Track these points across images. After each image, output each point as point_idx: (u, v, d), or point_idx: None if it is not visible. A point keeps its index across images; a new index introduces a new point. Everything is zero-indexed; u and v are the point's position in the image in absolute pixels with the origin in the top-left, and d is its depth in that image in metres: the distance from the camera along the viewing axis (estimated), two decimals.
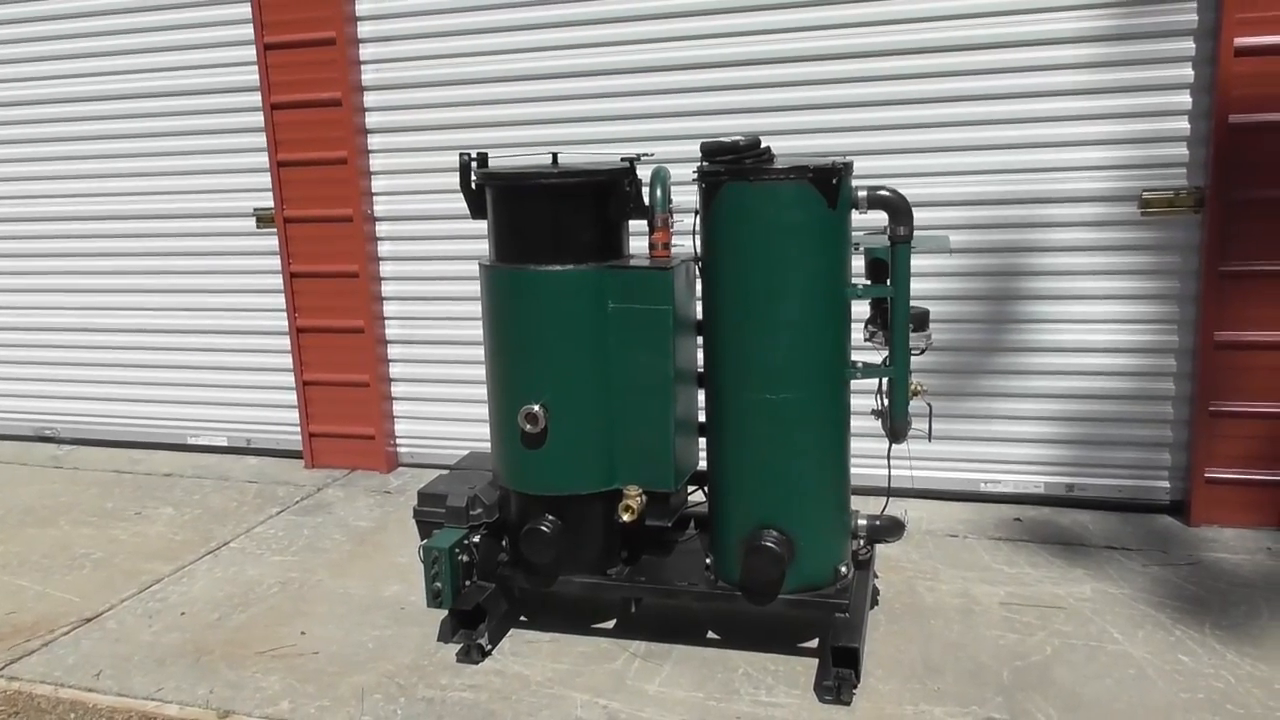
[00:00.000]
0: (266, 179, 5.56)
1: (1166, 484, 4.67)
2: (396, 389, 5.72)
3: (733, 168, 3.26)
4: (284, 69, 5.37)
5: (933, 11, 4.50)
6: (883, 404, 3.52)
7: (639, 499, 3.49)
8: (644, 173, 3.55)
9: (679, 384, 3.50)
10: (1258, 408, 4.39)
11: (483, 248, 3.68)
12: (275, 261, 5.66)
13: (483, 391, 3.74)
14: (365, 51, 5.34)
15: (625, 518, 3.48)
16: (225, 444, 6.12)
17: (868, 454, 3.85)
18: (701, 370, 3.59)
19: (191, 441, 6.18)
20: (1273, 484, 4.43)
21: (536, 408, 3.45)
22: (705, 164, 3.34)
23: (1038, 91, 4.47)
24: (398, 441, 5.77)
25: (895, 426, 3.51)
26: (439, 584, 3.56)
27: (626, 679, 3.48)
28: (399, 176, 5.45)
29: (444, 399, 5.61)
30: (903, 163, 4.60)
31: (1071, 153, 4.48)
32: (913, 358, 3.42)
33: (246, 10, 5.39)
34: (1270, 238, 4.24)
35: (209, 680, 3.58)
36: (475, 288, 3.67)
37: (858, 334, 3.48)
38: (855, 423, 3.52)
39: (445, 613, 3.73)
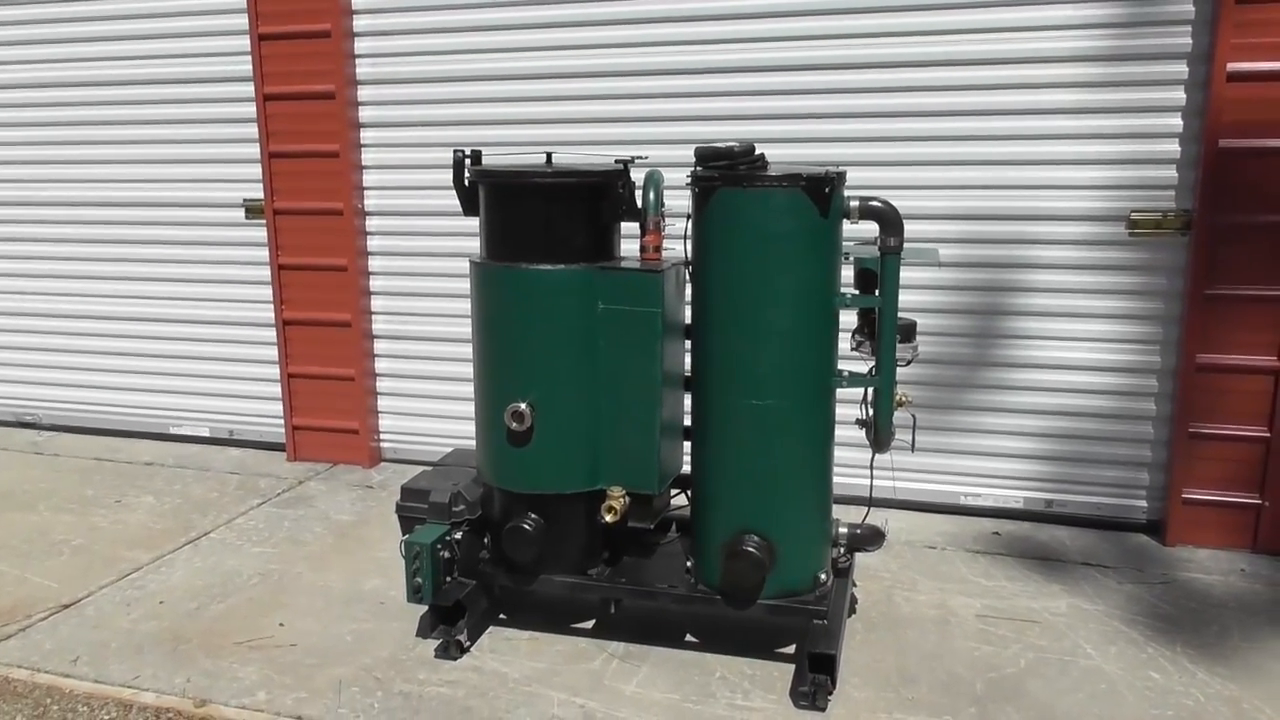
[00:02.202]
0: (257, 170, 5.55)
1: (1144, 503, 4.71)
2: (382, 384, 5.71)
3: (726, 173, 3.29)
4: (278, 60, 5.36)
5: (932, 26, 4.53)
6: (867, 414, 3.54)
7: (622, 500, 3.50)
8: (638, 175, 3.57)
9: (666, 387, 3.52)
10: (1236, 431, 4.43)
11: (473, 245, 3.69)
12: (263, 253, 5.64)
13: (468, 389, 3.75)
14: (360, 45, 5.34)
15: (608, 519, 3.49)
16: (207, 434, 6.10)
17: (851, 463, 3.88)
18: (688, 374, 3.60)
19: (173, 431, 6.15)
20: (1248, 506, 4.47)
21: (523, 406, 3.46)
22: (699, 169, 3.36)
23: (1031, 109, 4.50)
24: (381, 436, 5.77)
25: (879, 436, 3.53)
26: (419, 579, 3.57)
27: (604, 679, 3.49)
28: (391, 171, 5.45)
29: (429, 395, 5.61)
30: (895, 175, 4.63)
31: (1062, 171, 4.52)
32: (898, 369, 3.45)
33: (242, 0, 5.38)
34: (1255, 262, 4.29)
35: (186, 669, 3.57)
36: (464, 285, 3.68)
37: (845, 343, 3.50)
38: (839, 432, 3.55)
39: (425, 608, 3.73)
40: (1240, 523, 4.49)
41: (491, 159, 3.70)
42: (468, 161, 3.64)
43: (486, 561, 3.76)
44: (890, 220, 3.30)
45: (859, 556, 3.90)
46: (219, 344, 5.95)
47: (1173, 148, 4.39)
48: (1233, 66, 4.15)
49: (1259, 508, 4.45)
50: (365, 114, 5.42)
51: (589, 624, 3.85)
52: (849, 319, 3.50)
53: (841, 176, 3.31)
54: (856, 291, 3.47)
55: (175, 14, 5.61)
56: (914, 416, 3.74)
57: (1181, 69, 4.32)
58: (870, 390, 3.50)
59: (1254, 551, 4.47)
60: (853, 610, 3.87)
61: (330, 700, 3.37)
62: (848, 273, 3.44)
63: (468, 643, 3.66)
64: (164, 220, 5.90)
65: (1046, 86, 4.47)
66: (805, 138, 4.73)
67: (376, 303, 5.61)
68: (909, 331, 3.47)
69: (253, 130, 5.51)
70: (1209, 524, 4.51)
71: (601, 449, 3.55)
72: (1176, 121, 4.37)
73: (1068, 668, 3.54)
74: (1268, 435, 4.39)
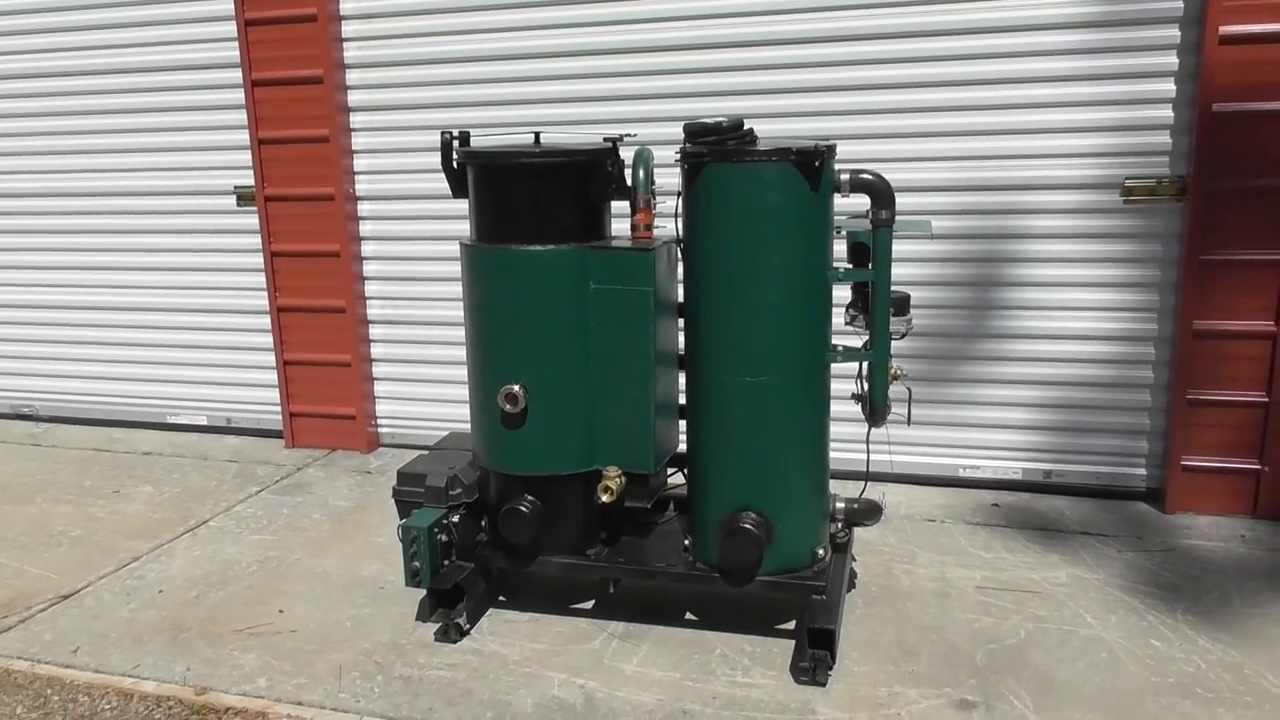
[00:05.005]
0: (247, 156, 5.52)
1: (1143, 471, 4.70)
2: (377, 369, 5.70)
3: (715, 149, 3.25)
4: (265, 45, 5.32)
5: None
6: (862, 388, 3.53)
7: (618, 480, 3.49)
8: (627, 154, 3.54)
9: (660, 366, 3.50)
10: (1234, 396, 4.42)
11: (464, 227, 3.67)
12: (256, 240, 5.62)
13: (463, 372, 3.73)
14: (347, 28, 5.30)
15: (604, 499, 3.48)
16: (205, 423, 6.09)
17: (847, 438, 3.86)
18: (682, 352, 3.59)
19: (171, 420, 6.15)
20: (1248, 472, 4.46)
21: (516, 388, 3.45)
22: (688, 145, 3.33)
23: (1022, 78, 4.47)
24: (378, 422, 5.76)
25: (875, 411, 3.51)
26: (417, 563, 3.56)
27: (604, 659, 3.50)
28: (381, 155, 5.42)
29: (425, 379, 5.60)
30: (886, 147, 4.60)
31: (1055, 139, 4.49)
32: (893, 342, 3.43)
33: None
34: (1251, 227, 4.26)
35: (186, 657, 3.57)
36: (457, 268, 3.65)
37: (838, 318, 3.48)
38: (835, 407, 3.54)
39: (424, 592, 3.73)
40: (1240, 488, 4.48)
41: (480, 140, 3.67)
42: (455, 143, 3.61)
43: (484, 544, 3.75)
44: (881, 193, 3.27)
45: (857, 531, 3.89)
46: (215, 332, 5.94)
47: (1166, 113, 4.36)
48: (1225, 29, 4.11)
49: (1258, 473, 4.44)
50: (354, 98, 5.38)
51: (588, 604, 3.85)
52: (842, 293, 3.48)
53: (831, 150, 3.28)
54: (849, 266, 3.45)
55: (161, 0, 5.56)
56: (909, 390, 3.73)
57: (1173, 33, 4.28)
58: (865, 364, 3.48)
59: (1254, 517, 4.46)
60: (852, 585, 3.87)
61: (331, 685, 3.37)
62: (840, 247, 3.42)
63: (467, 625, 3.66)
64: (156, 209, 5.88)
65: (1038, 54, 4.43)
66: (795, 112, 4.69)
67: (370, 288, 5.60)
68: (903, 305, 3.45)
69: (242, 117, 5.48)
70: (1209, 490, 4.50)
71: (597, 429, 3.53)
72: (1169, 86, 4.33)
73: (1068, 637, 3.54)
74: (1266, 400, 4.38)
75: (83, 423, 6.31)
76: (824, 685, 3.28)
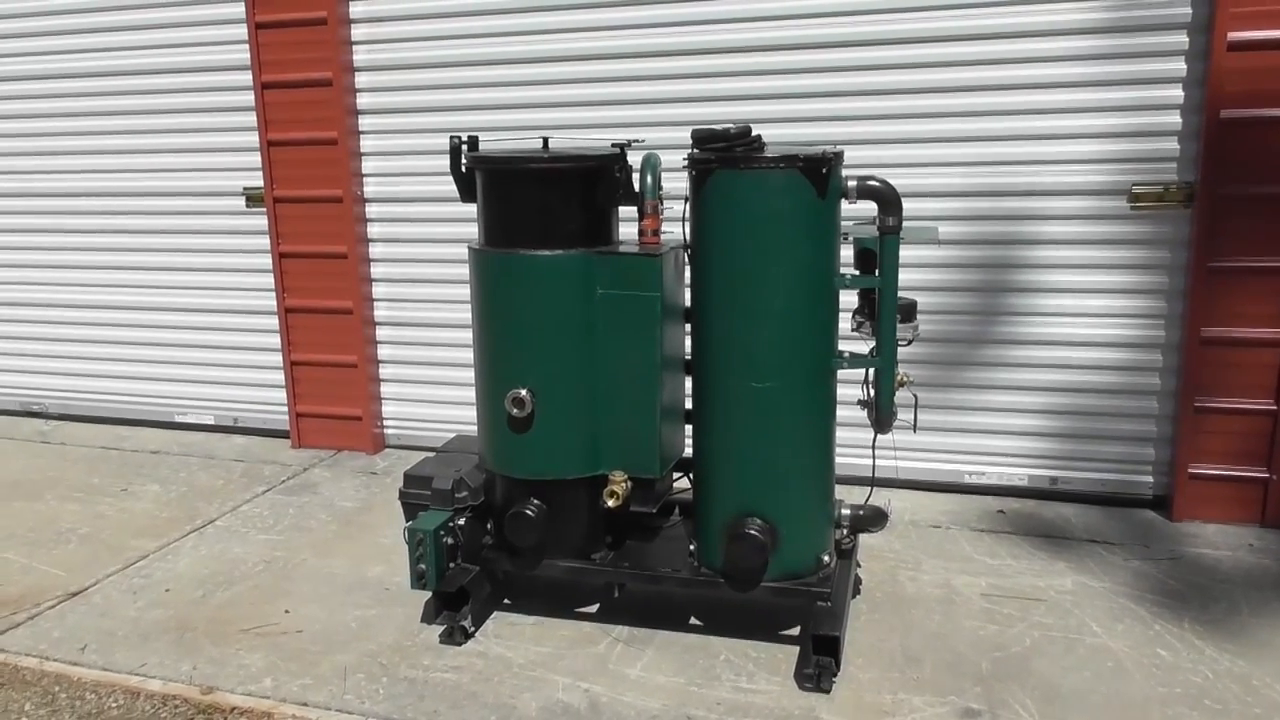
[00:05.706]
0: (256, 158, 5.53)
1: (1150, 479, 4.69)
2: (384, 370, 5.71)
3: (723, 155, 3.26)
4: (275, 48, 5.34)
5: (927, 1, 4.49)
6: (869, 394, 3.52)
7: (624, 484, 3.50)
8: (635, 159, 3.54)
9: (666, 371, 3.51)
10: (1242, 404, 4.40)
11: (473, 231, 3.68)
12: (264, 241, 5.64)
13: (470, 375, 3.74)
14: (357, 32, 5.31)
15: (610, 503, 3.49)
16: (212, 422, 6.11)
17: (853, 444, 3.86)
18: (689, 357, 3.59)
19: (179, 419, 6.17)
20: (1256, 480, 4.45)
21: (523, 392, 3.45)
22: (695, 151, 3.34)
23: (1030, 84, 4.46)
24: (385, 423, 5.77)
25: (881, 417, 3.51)
26: (423, 565, 3.57)
27: (609, 663, 3.50)
28: (390, 158, 5.43)
29: (432, 381, 5.61)
30: (893, 153, 4.60)
31: (1062, 146, 4.48)
32: (899, 348, 3.43)
33: None
34: (1259, 234, 4.25)
35: (192, 656, 3.59)
36: (464, 271, 3.66)
37: (845, 324, 3.48)
38: (841, 412, 3.53)
39: (429, 594, 3.74)
40: (1248, 497, 4.47)
41: (489, 144, 3.68)
42: (464, 148, 3.62)
43: (490, 547, 3.76)
44: (888, 199, 3.27)
45: (863, 537, 3.89)
46: (223, 332, 5.96)
47: (1174, 119, 4.35)
48: (1233, 36, 4.11)
49: (1266, 481, 4.43)
50: (363, 100, 5.40)
51: (593, 608, 3.85)
52: (849, 299, 3.48)
53: (839, 156, 3.28)
54: (856, 272, 3.45)
55: (172, 3, 5.59)
56: (915, 396, 3.73)
57: (1182, 39, 4.28)
58: (871, 370, 3.48)
59: (1262, 525, 4.45)
60: (857, 591, 3.87)
61: (336, 687, 3.38)
62: (847, 253, 3.42)
63: (472, 628, 3.67)
64: (166, 210, 5.91)
65: (1045, 60, 4.43)
66: (803, 117, 4.70)
67: (378, 290, 5.61)
68: (909, 311, 3.45)
69: (251, 119, 5.50)
70: (1216, 498, 4.49)
71: (602, 434, 3.54)
72: (1177, 93, 4.33)
73: (1074, 646, 3.54)
74: (1274, 408, 4.37)
75: (91, 421, 6.34)
76: (828, 692, 3.28)
